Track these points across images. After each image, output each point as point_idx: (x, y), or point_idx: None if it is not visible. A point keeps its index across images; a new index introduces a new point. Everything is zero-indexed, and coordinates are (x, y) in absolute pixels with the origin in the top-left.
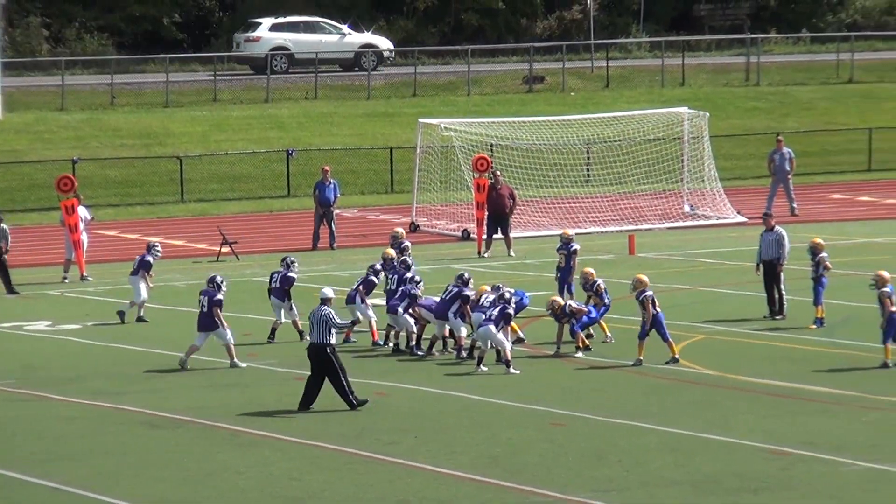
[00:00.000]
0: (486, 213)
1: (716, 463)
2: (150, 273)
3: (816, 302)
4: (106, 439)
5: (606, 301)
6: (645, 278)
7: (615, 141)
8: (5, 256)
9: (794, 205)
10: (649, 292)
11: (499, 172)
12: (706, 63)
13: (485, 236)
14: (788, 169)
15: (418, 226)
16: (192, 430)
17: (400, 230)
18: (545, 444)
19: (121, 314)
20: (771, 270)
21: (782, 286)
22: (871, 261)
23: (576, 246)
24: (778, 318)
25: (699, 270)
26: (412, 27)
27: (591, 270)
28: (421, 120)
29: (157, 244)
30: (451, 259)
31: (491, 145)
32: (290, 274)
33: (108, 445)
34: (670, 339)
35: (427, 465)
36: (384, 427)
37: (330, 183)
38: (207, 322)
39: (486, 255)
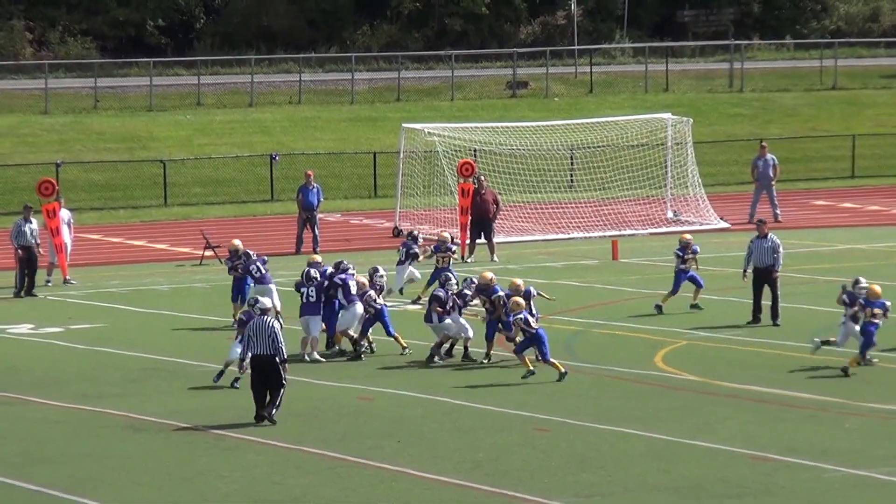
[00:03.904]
0: (470, 217)
1: (699, 468)
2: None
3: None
4: (87, 443)
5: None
6: (521, 301)
7: (599, 146)
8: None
9: (778, 211)
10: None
11: (483, 177)
12: (690, 69)
13: (468, 241)
14: (772, 175)
15: (402, 230)
16: (174, 433)
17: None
18: (528, 450)
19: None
20: (766, 277)
21: (778, 293)
22: (853, 268)
23: (696, 247)
24: (777, 324)
25: None
26: (396, 32)
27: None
28: (404, 125)
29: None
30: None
31: (474, 150)
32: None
33: (89, 449)
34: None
35: (410, 470)
36: (367, 431)
37: (313, 187)
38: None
39: (469, 259)
